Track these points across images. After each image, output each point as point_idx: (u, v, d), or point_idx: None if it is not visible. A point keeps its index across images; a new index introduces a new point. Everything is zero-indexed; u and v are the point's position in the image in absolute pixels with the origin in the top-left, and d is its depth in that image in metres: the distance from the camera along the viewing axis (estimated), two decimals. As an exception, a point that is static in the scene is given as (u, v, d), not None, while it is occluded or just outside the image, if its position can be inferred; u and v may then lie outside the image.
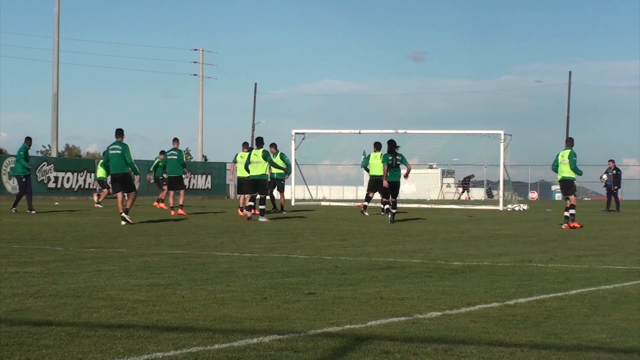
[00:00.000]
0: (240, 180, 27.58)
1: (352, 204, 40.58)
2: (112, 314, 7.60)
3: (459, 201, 54.00)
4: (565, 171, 22.82)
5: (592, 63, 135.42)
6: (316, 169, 48.50)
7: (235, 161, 28.67)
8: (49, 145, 71.82)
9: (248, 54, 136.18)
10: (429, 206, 40.09)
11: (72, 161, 58.54)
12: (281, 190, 30.14)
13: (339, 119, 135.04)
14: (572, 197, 22.69)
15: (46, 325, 6.99)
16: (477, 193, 64.02)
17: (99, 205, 33.33)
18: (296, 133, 41.42)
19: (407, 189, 52.82)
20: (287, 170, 29.19)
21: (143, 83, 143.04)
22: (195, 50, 71.69)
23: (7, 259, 12.24)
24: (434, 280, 10.26)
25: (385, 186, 24.31)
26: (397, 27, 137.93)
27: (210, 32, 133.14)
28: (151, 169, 33.65)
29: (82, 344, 6.30)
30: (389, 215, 23.91)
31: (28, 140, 28.36)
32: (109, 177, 23.59)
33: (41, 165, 46.25)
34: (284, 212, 29.26)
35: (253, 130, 77.73)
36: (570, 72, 78.83)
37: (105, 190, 33.21)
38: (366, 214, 28.69)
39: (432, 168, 63.42)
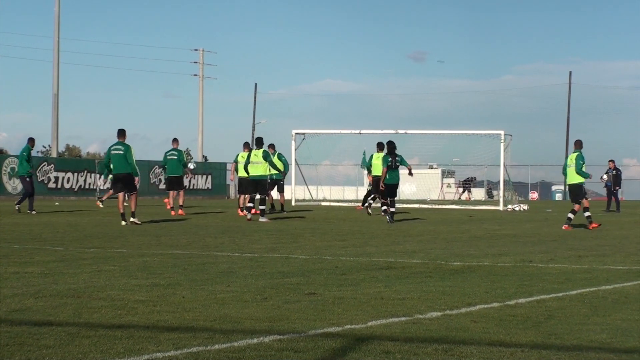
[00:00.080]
0: (241, 180, 27.60)
1: (352, 204, 40.55)
2: (112, 314, 7.60)
3: (459, 201, 53.97)
4: (573, 176, 21.97)
5: (592, 63, 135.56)
6: (316, 169, 48.47)
7: (236, 161, 28.68)
8: (49, 145, 71.65)
9: (248, 54, 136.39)
10: (429, 206, 40.07)
11: (73, 161, 58.41)
12: (281, 190, 30.14)
13: (339, 119, 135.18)
14: (583, 201, 22.02)
15: (46, 325, 6.99)
16: (478, 193, 63.96)
17: (100, 205, 33.29)
18: (296, 133, 41.41)
19: (408, 189, 52.85)
20: (285, 170, 29.28)
21: (143, 83, 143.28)
22: (196, 50, 71.64)
23: (8, 259, 12.24)
24: (435, 281, 10.26)
25: (382, 188, 24.43)
26: (397, 27, 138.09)
27: (210, 32, 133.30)
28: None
29: (83, 344, 6.30)
30: (387, 217, 23.96)
31: (31, 141, 28.29)
32: (111, 176, 23.54)
33: (41, 166, 46.23)
34: (284, 213, 29.26)
35: (253, 130, 77.72)
36: (570, 72, 78.77)
37: (110, 191, 33.15)
38: (369, 211, 28.89)
39: (432, 168, 63.35)
